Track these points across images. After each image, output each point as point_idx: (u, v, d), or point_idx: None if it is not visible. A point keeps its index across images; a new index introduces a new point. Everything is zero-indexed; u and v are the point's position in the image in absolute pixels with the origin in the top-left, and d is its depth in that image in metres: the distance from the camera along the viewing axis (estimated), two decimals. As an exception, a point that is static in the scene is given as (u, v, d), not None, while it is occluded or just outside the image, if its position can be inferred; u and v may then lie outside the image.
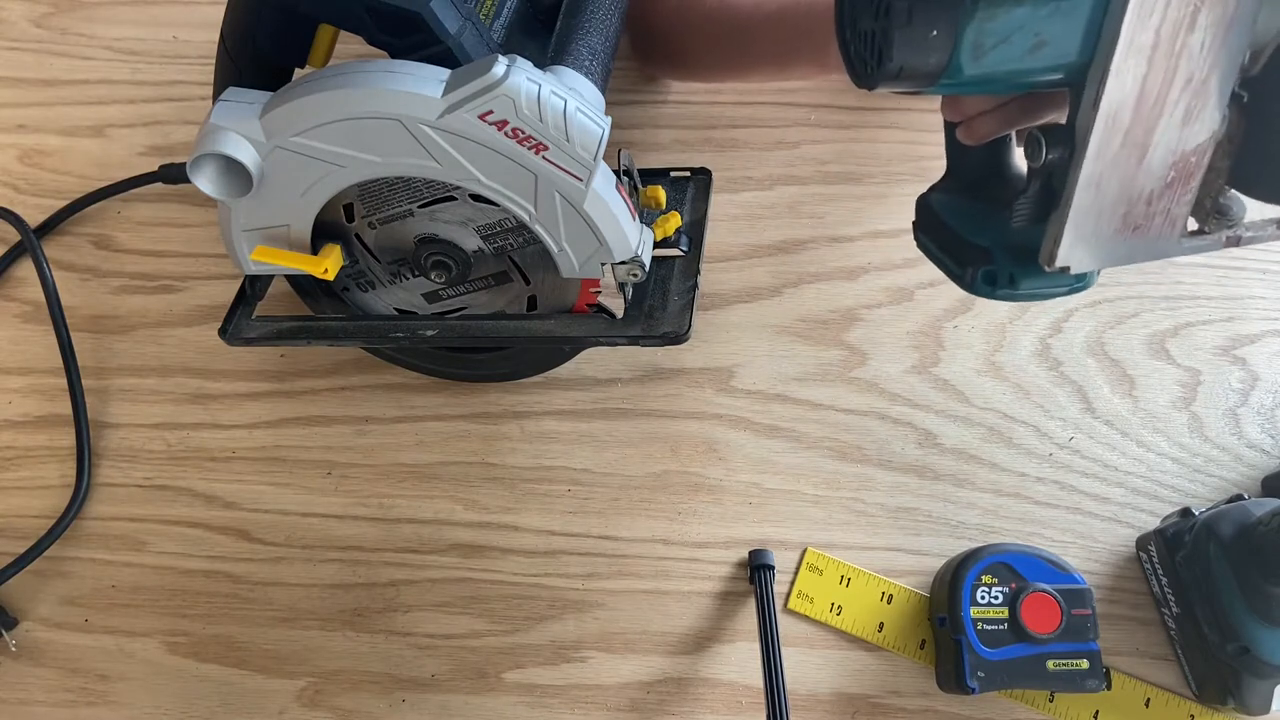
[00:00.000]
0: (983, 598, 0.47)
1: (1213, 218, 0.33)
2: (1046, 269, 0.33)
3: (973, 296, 0.57)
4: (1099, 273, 0.37)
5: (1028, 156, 0.33)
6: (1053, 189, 0.33)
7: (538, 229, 0.44)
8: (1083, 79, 0.30)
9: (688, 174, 0.53)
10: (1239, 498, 0.48)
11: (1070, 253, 0.33)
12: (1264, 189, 0.33)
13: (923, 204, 0.41)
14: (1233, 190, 0.33)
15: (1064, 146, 0.32)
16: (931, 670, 0.50)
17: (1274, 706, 0.46)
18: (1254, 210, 0.34)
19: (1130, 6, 0.28)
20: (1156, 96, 0.30)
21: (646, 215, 0.49)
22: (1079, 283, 0.37)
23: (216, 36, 0.45)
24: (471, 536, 0.54)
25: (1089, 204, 0.32)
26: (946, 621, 0.48)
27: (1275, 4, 0.29)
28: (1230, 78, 0.30)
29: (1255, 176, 0.32)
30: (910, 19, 0.30)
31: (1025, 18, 0.30)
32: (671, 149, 0.63)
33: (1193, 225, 0.33)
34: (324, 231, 0.47)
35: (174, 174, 0.58)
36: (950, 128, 0.39)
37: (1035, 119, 0.36)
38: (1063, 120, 0.33)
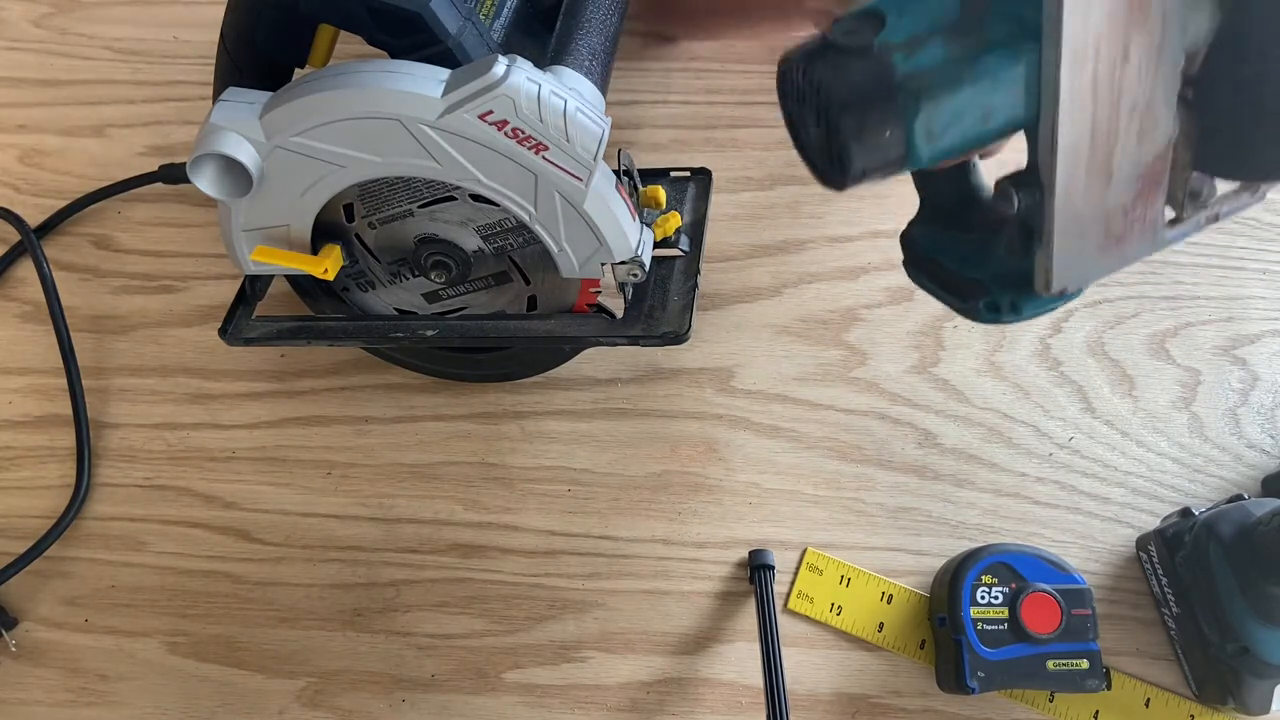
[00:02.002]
0: (983, 598, 0.47)
1: (1187, 204, 0.34)
2: (1044, 295, 0.34)
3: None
4: None
5: (1001, 208, 0.34)
6: (1030, 228, 0.33)
7: (538, 229, 0.44)
8: (1035, 124, 0.31)
9: (688, 174, 0.53)
10: (1239, 498, 0.48)
11: (1063, 276, 0.33)
12: (1226, 169, 0.34)
13: (907, 240, 0.41)
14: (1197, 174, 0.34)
15: (1032, 191, 0.32)
16: (931, 670, 0.50)
17: (1274, 706, 0.46)
18: (1224, 186, 0.35)
19: (1064, 61, 0.29)
20: (1108, 128, 0.31)
21: (646, 215, 0.49)
22: (1074, 293, 0.37)
23: (216, 36, 0.45)
24: (471, 536, 0.54)
25: (1069, 234, 0.32)
26: (946, 621, 0.48)
27: (1199, 9, 0.30)
28: (1173, 89, 0.31)
29: (1216, 161, 0.33)
30: (861, 132, 0.31)
31: (970, 98, 0.30)
32: (671, 149, 0.63)
33: (1170, 215, 0.34)
34: (324, 231, 0.47)
35: (174, 174, 0.58)
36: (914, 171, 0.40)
37: (985, 151, 0.37)
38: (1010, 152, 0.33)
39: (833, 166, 0.33)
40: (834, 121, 0.31)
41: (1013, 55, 0.30)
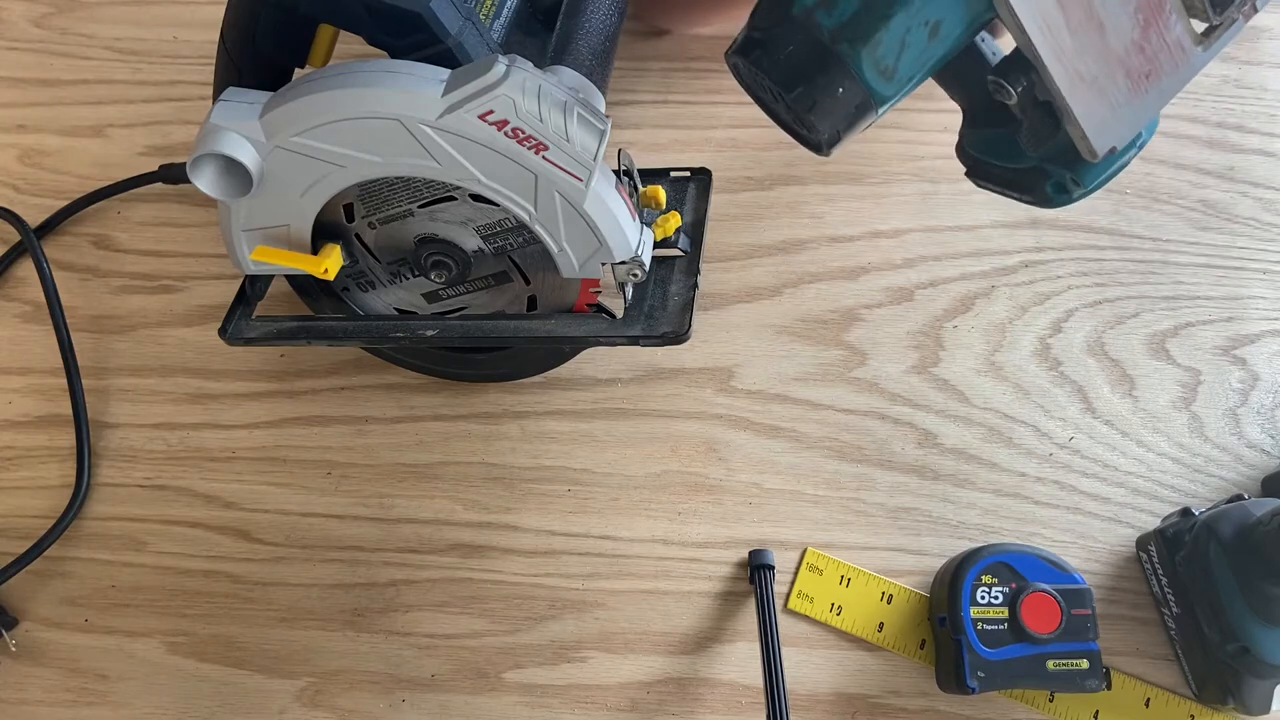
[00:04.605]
0: (983, 598, 0.47)
1: (1214, 8, 0.31)
2: (1095, 161, 0.33)
3: (972, 295, 0.58)
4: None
5: (1003, 99, 0.33)
6: (1045, 106, 0.32)
7: (538, 229, 0.44)
8: (995, 13, 0.30)
9: (688, 174, 0.53)
10: (1239, 498, 0.48)
11: (1105, 136, 0.32)
12: None
13: (961, 151, 0.39)
14: None
15: (1024, 73, 0.31)
16: (931, 670, 0.50)
17: (1274, 706, 0.46)
18: None
19: None
20: None
21: (646, 215, 0.49)
22: (1140, 139, 0.35)
23: (216, 36, 0.45)
24: (471, 536, 0.54)
25: (1086, 95, 0.31)
26: (946, 621, 0.48)
27: None
28: None
29: None
30: (815, 102, 0.31)
31: (904, 21, 0.30)
32: (671, 149, 0.63)
33: (1200, 28, 0.32)
34: (324, 231, 0.47)
35: (174, 174, 0.58)
36: (935, 79, 0.39)
37: None
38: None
39: (809, 136, 0.32)
40: (788, 101, 0.31)
41: None
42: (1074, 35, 0.30)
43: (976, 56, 0.35)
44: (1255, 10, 0.32)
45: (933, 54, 0.31)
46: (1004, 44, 0.34)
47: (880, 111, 0.32)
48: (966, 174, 0.40)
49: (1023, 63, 0.31)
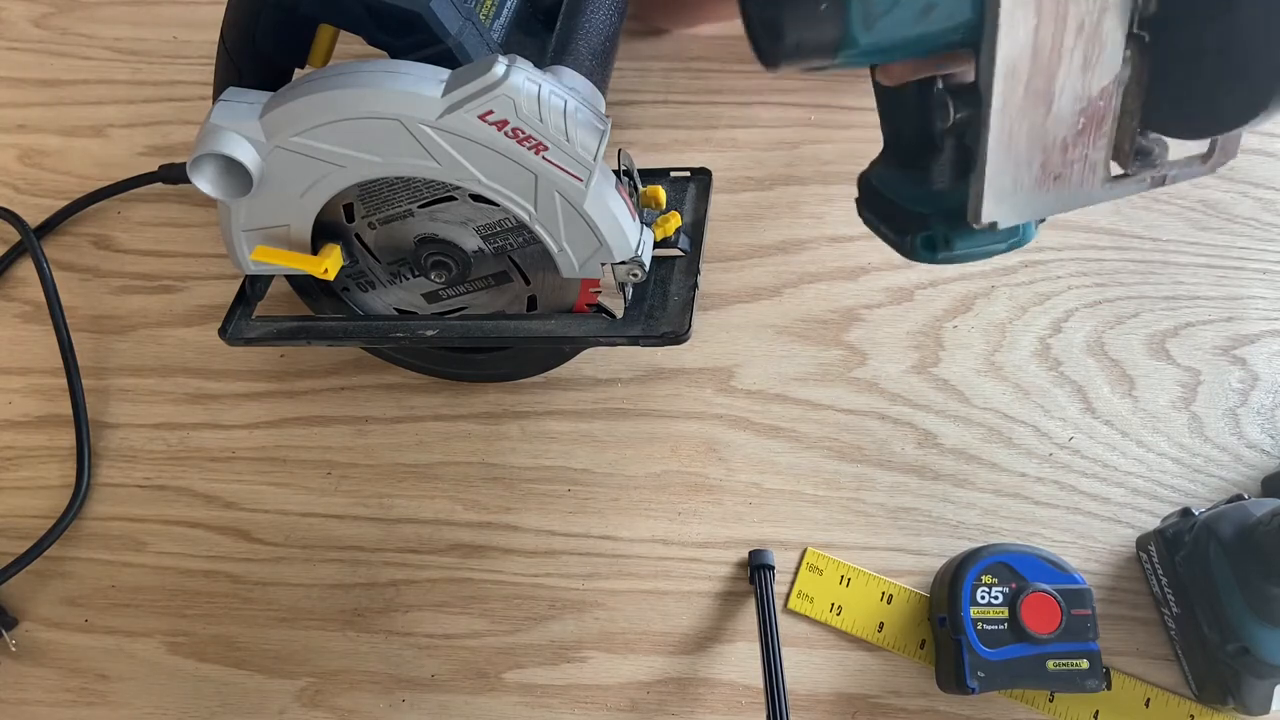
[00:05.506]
0: (983, 598, 0.47)
1: (1134, 160, 0.34)
2: (975, 226, 0.34)
3: (972, 295, 0.58)
4: (1038, 227, 0.38)
5: (938, 119, 0.34)
6: (967, 148, 0.33)
7: (538, 229, 0.44)
8: (979, 37, 0.31)
9: (688, 174, 0.53)
10: (1239, 498, 0.48)
11: (995, 208, 0.33)
12: (1176, 128, 0.33)
13: (863, 181, 0.41)
14: (1152, 133, 0.34)
15: (971, 105, 0.32)
16: (931, 670, 0.50)
17: (1274, 706, 0.46)
18: (1179, 150, 0.35)
19: None
20: (1051, 46, 0.30)
21: (646, 215, 0.49)
22: (1014, 237, 0.37)
23: (216, 36, 0.45)
24: (471, 536, 0.54)
25: (1004, 158, 0.32)
26: (946, 621, 0.48)
27: None
28: (1123, 19, 0.31)
29: (1166, 116, 0.33)
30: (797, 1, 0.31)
31: None
32: (671, 149, 0.63)
33: (1116, 170, 0.34)
34: (324, 231, 0.47)
35: (174, 174, 0.58)
36: (880, 98, 0.40)
37: (947, 67, 0.36)
38: (972, 75, 0.33)
39: (765, 40, 0.32)
40: None
41: None
42: (1026, 95, 0.31)
43: (925, 96, 0.37)
44: (1162, 184, 0.34)
45: (911, 30, 0.31)
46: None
47: (835, 59, 0.32)
48: (856, 200, 0.42)
49: (973, 96, 0.32)
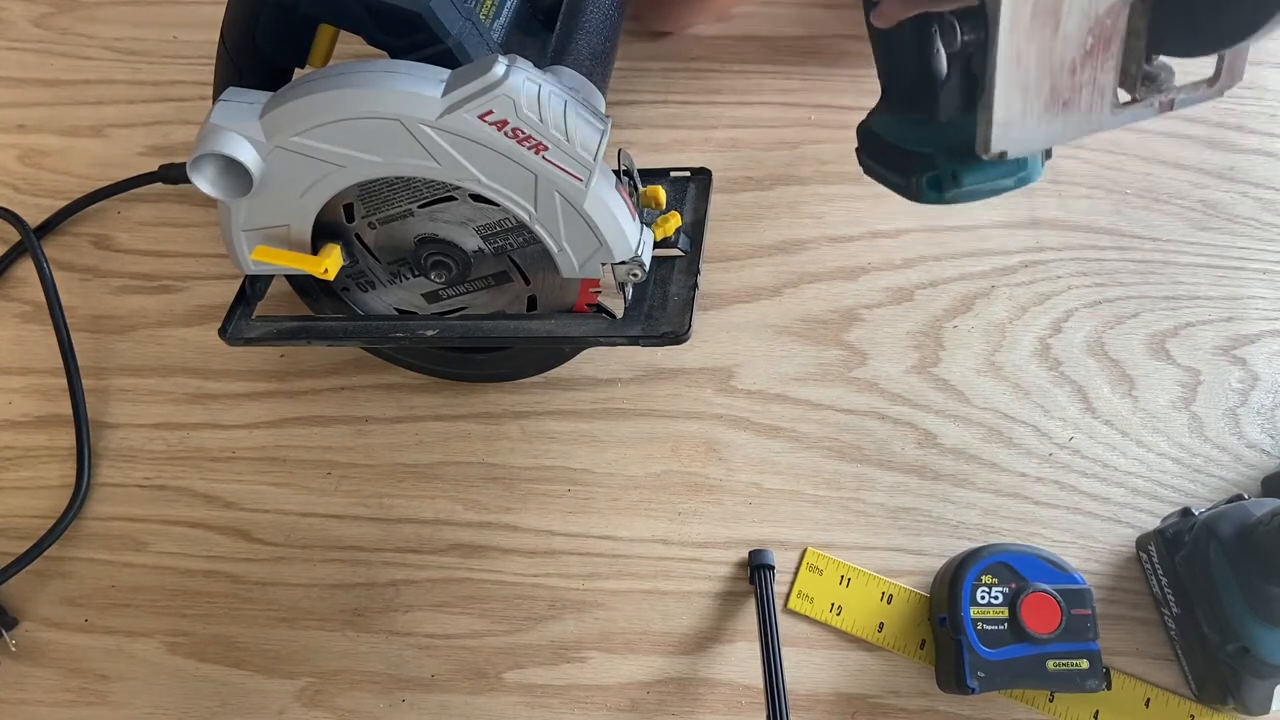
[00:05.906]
0: (983, 598, 0.47)
1: (1142, 85, 0.33)
2: (984, 157, 0.33)
3: (972, 295, 0.58)
4: (1044, 163, 0.38)
5: (944, 45, 0.34)
6: (974, 75, 0.33)
7: (538, 229, 0.44)
8: None
9: (688, 174, 0.53)
10: (1239, 498, 0.48)
11: (1004, 136, 0.32)
12: (1181, 44, 0.33)
13: (863, 130, 0.41)
14: (1159, 58, 0.33)
15: (978, 28, 0.32)
16: (931, 670, 0.50)
17: (1274, 706, 0.46)
18: (1184, 76, 0.34)
19: None
20: None
21: (646, 215, 0.49)
22: (1022, 170, 0.37)
23: (216, 36, 0.45)
24: (471, 536, 0.54)
25: (1012, 82, 0.31)
26: (946, 621, 0.48)
27: None
28: None
29: (1171, 32, 0.33)
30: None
31: None
32: (671, 149, 0.63)
33: (1124, 96, 0.34)
34: (324, 231, 0.46)
35: (174, 174, 0.58)
36: (876, 44, 0.39)
37: (938, 4, 0.36)
38: (963, 2, 0.33)
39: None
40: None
41: None
42: (1034, 15, 0.30)
43: (923, 34, 0.36)
44: (1170, 109, 0.34)
45: None
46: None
47: None
48: (857, 149, 0.41)
49: (980, 19, 0.32)
